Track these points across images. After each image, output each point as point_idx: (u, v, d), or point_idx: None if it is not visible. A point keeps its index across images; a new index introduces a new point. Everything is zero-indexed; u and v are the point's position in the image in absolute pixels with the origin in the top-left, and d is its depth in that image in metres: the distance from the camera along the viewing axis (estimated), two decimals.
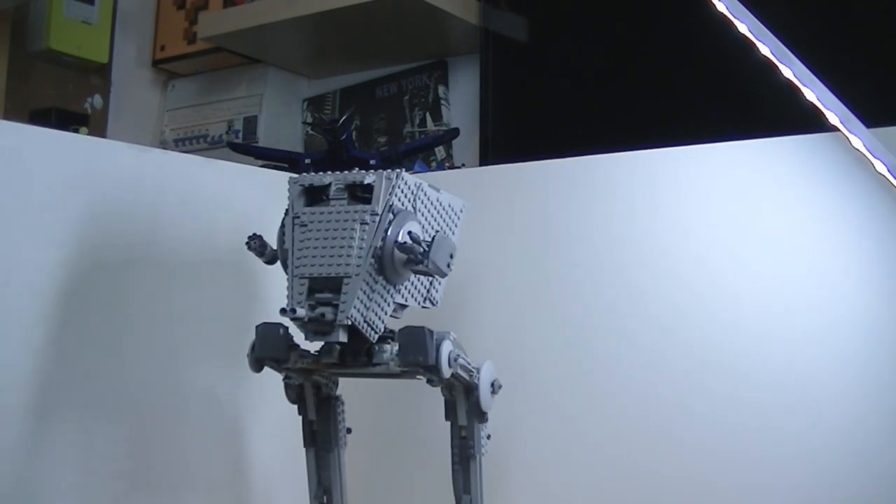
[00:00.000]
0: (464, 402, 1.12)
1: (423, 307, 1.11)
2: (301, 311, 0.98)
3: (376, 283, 1.02)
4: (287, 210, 1.06)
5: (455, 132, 1.96)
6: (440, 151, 2.16)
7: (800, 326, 1.20)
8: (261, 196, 1.41)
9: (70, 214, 1.19)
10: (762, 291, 1.22)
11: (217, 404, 1.35)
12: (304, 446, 1.15)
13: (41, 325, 1.16)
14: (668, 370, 1.26)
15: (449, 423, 1.14)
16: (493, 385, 1.13)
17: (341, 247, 1.01)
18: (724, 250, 1.25)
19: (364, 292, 1.00)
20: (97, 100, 2.58)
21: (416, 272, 1.05)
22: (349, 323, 0.99)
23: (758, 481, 1.20)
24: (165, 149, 2.33)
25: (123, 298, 1.25)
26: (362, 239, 1.01)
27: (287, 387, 1.12)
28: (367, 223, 1.02)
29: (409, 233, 1.03)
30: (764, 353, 1.21)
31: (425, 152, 2.12)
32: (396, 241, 1.02)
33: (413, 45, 2.20)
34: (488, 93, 2.05)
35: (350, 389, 1.42)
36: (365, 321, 1.01)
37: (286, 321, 1.03)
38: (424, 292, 1.11)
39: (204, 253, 1.34)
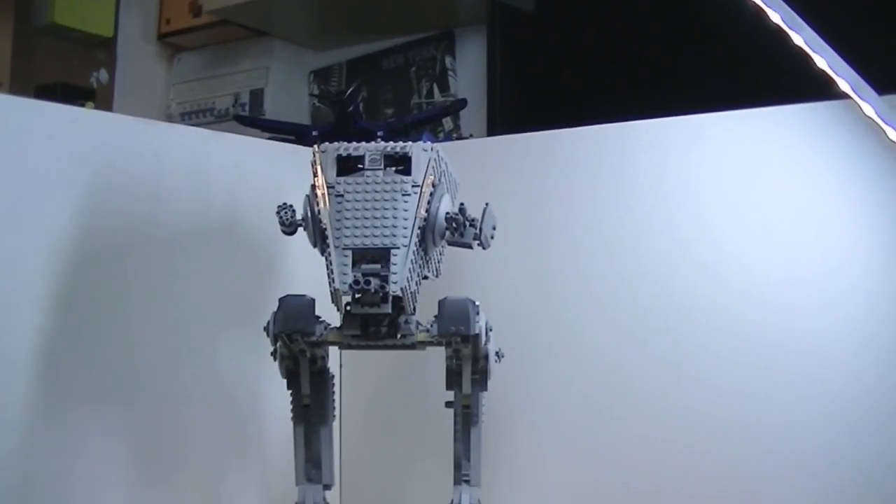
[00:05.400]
0: (469, 370, 1.12)
1: (430, 278, 1.11)
2: (375, 283, 0.98)
3: (417, 254, 1.02)
4: (314, 179, 1.06)
5: (462, 103, 1.97)
6: (447, 122, 2.15)
7: (810, 295, 1.19)
8: (269, 168, 1.40)
9: (77, 189, 1.19)
10: (772, 260, 1.22)
11: (232, 379, 1.35)
12: (294, 422, 1.15)
13: (49, 301, 1.15)
14: (676, 339, 1.26)
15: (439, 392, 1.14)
16: (497, 354, 1.14)
17: (385, 217, 1.01)
18: (733, 218, 1.24)
19: (411, 263, 1.01)
20: (103, 74, 2.57)
21: (452, 243, 1.06)
22: (399, 294, 0.99)
23: (765, 449, 1.20)
24: (172, 122, 2.33)
25: (131, 273, 1.24)
26: (405, 210, 1.02)
27: (282, 360, 1.11)
28: (408, 194, 1.02)
29: (461, 205, 1.04)
30: (773, 322, 1.21)
31: (433, 123, 2.12)
32: (447, 214, 1.03)
33: (420, 16, 2.19)
34: (495, 63, 2.03)
35: (346, 361, 1.43)
36: (410, 292, 1.01)
37: (313, 291, 1.04)
38: (436, 263, 1.11)
39: (212, 226, 1.34)
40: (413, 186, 1.03)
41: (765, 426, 1.20)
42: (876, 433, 1.15)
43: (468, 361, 1.11)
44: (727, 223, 1.25)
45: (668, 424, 1.26)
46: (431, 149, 1.05)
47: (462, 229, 1.03)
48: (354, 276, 0.99)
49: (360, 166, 1.05)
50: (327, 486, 1.17)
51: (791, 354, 1.19)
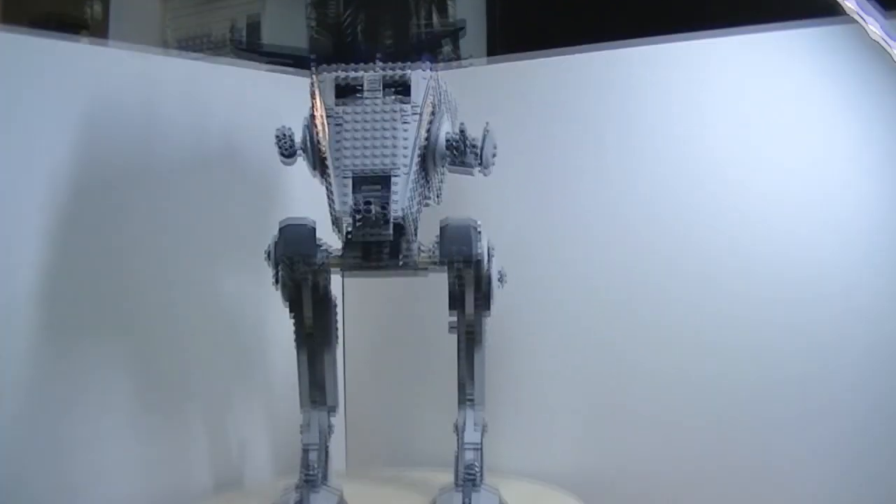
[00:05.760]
0: (472, 293, 1.12)
1: (431, 204, 1.11)
2: (375, 208, 0.98)
3: (417, 179, 1.02)
4: (312, 106, 1.05)
5: (461, 27, 1.94)
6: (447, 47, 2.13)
7: (813, 219, 1.19)
8: (267, 96, 1.39)
9: (74, 121, 1.18)
10: (775, 184, 1.22)
11: (234, 306, 1.36)
12: (297, 347, 1.16)
13: (48, 233, 1.16)
14: (676, 259, 1.27)
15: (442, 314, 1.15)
16: (499, 276, 1.14)
17: (385, 142, 1.01)
18: (735, 142, 1.24)
19: (413, 187, 1.00)
20: (96, 6, 2.54)
21: (453, 168, 1.06)
22: (400, 219, 1.00)
23: (760, 378, 1.21)
24: (168, 53, 2.31)
25: (130, 204, 1.24)
26: (405, 134, 1.01)
27: (284, 286, 1.12)
28: (408, 119, 1.02)
29: (462, 127, 1.04)
30: (776, 245, 1.21)
31: (431, 48, 2.10)
32: (448, 137, 1.03)
33: None
34: None
35: (348, 286, 1.43)
36: (411, 216, 1.01)
37: (313, 218, 1.05)
38: (437, 189, 1.11)
39: (211, 155, 1.33)
40: (413, 111, 1.02)
41: (768, 351, 1.21)
42: (883, 359, 1.15)
43: (471, 284, 1.11)
44: (730, 147, 1.24)
45: (671, 346, 1.27)
46: (430, 73, 1.05)
47: (463, 153, 1.03)
48: (355, 202, 0.99)
49: (359, 92, 1.05)
50: (332, 410, 1.18)
51: (795, 278, 1.20)
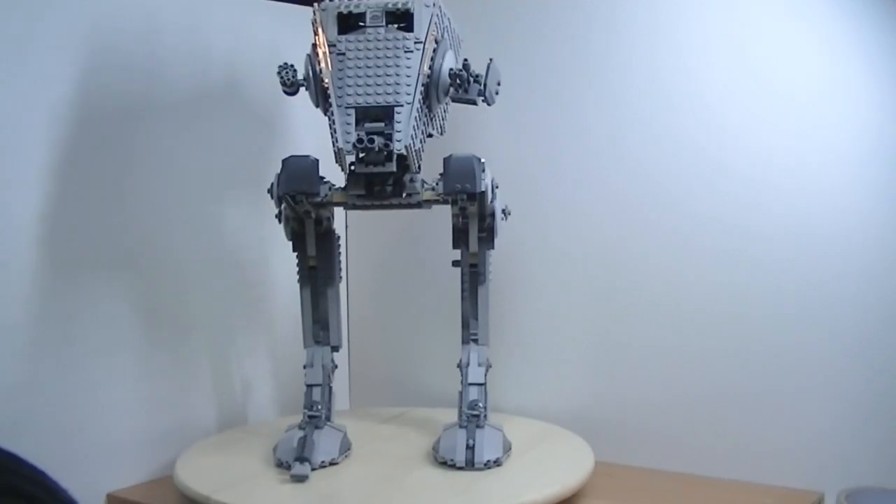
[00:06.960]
0: (475, 228, 1.11)
1: (434, 135, 1.10)
2: (379, 141, 0.97)
3: (421, 111, 1.01)
4: (315, 38, 1.04)
5: None
6: None
7: (817, 145, 1.17)
8: (269, 28, 1.37)
9: (74, 52, 1.16)
10: (775, 112, 1.19)
11: (238, 242, 1.35)
12: (300, 284, 1.16)
13: (52, 167, 1.14)
14: (681, 199, 1.24)
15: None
16: (503, 212, 1.13)
17: (388, 75, 1.00)
18: (741, 69, 1.21)
19: (415, 120, 0.99)
20: None
21: (456, 100, 1.05)
22: (403, 152, 0.98)
23: (764, 313, 1.20)
24: None
25: (132, 137, 1.22)
26: (408, 67, 1.00)
27: (287, 222, 1.11)
28: (411, 51, 1.01)
29: (465, 61, 1.02)
30: (781, 171, 1.19)
31: None
32: (451, 70, 1.02)
33: None
34: None
35: (352, 222, 1.42)
36: (414, 150, 1.00)
37: (316, 154, 1.05)
38: (440, 121, 1.10)
39: (213, 87, 1.31)
40: (415, 43, 1.01)
41: (773, 285, 1.19)
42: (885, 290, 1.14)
43: (474, 219, 1.10)
44: (735, 72, 1.21)
45: (675, 284, 1.25)
46: (434, 4, 1.03)
47: (466, 85, 1.02)
48: (358, 135, 0.98)
49: (362, 24, 1.03)
50: (335, 348, 1.18)
51: (804, 206, 1.18)
